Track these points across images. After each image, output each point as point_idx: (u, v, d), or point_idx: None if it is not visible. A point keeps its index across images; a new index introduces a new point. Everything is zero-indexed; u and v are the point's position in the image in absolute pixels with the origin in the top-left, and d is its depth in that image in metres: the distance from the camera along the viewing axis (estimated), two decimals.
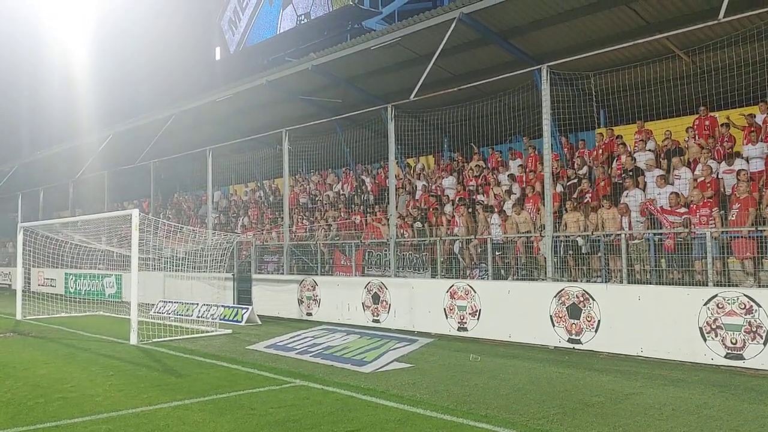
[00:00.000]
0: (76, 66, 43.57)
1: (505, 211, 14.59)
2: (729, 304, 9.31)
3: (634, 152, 14.45)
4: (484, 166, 18.16)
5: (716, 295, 9.45)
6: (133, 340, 12.84)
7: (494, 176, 16.93)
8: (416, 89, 15.16)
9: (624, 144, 14.98)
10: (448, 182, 18.05)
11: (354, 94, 20.60)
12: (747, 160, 12.31)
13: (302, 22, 34.68)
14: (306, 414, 7.05)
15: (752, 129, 12.80)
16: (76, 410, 7.36)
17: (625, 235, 11.48)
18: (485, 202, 15.81)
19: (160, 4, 42.02)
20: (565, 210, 13.22)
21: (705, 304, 9.53)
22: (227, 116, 24.56)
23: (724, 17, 10.43)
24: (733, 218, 10.69)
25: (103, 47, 43.60)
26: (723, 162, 12.58)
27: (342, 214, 19.46)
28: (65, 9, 44.79)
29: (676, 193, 12.21)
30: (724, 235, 10.54)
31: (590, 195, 14.01)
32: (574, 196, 14.00)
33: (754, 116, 13.43)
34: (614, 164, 14.86)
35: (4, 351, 12.09)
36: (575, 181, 14.72)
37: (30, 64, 45.27)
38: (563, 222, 13.04)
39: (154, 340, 13.03)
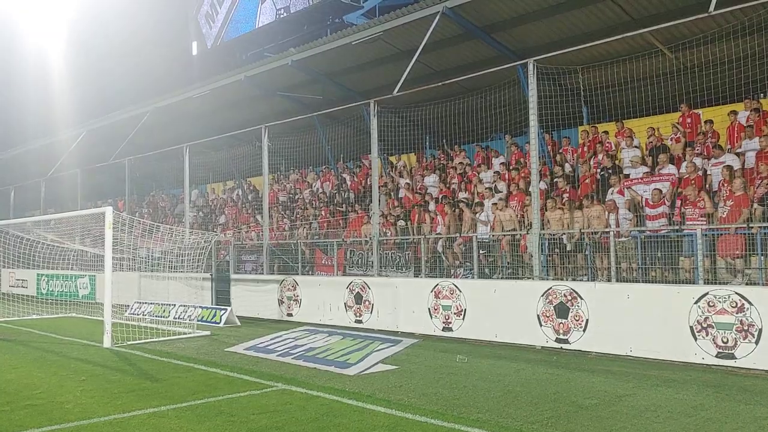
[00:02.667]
0: (49, 62, 42.53)
1: (489, 208, 14.37)
2: (720, 302, 9.15)
3: (619, 149, 14.33)
4: (467, 163, 17.95)
5: (707, 293, 9.28)
6: (107, 342, 12.37)
7: (476, 174, 16.71)
8: (399, 85, 14.89)
9: (601, 143, 14.91)
10: (430, 180, 17.77)
11: (334, 90, 20.28)
12: (738, 155, 12.23)
13: (281, 16, 34.18)
14: (289, 420, 6.71)
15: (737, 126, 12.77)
16: (44, 418, 6.95)
17: (613, 232, 11.31)
18: (469, 200, 15.58)
19: None
20: (549, 208, 13.02)
21: (696, 303, 9.36)
22: (204, 113, 24.09)
23: (714, 10, 10.27)
24: (724, 215, 10.55)
25: (76, 42, 42.63)
26: (711, 158, 12.47)
27: (323, 212, 19.12)
28: (39, 4, 43.74)
29: (659, 189, 12.10)
30: (714, 233, 10.40)
31: (569, 193, 13.86)
32: (558, 194, 13.82)
33: (737, 113, 13.40)
34: (592, 161, 14.73)
35: None
36: (560, 178, 14.55)
37: (1, 60, 44.12)
38: (545, 220, 12.86)
39: (129, 342, 12.57)
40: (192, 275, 16.86)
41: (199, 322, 15.34)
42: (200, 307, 16.35)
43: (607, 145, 15.02)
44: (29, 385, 8.71)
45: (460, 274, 13.95)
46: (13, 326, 16.03)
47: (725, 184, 11.13)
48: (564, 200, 13.40)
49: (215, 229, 21.30)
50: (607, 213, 12.25)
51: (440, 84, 14.78)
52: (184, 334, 13.94)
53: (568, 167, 15.21)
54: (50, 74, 41.81)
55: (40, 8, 43.84)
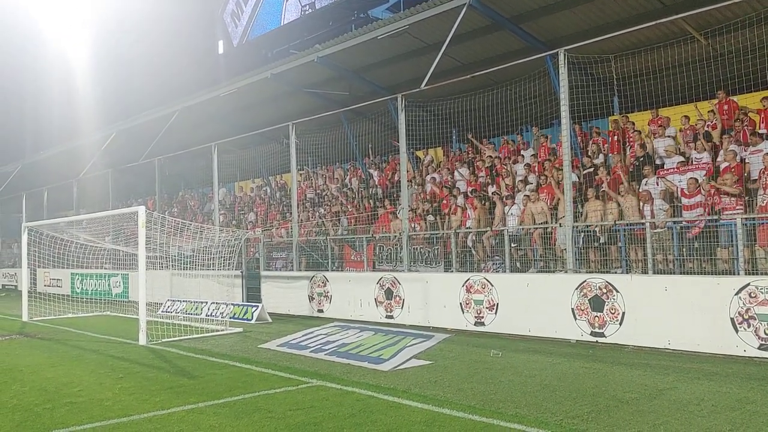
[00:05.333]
0: (78, 64, 43.27)
1: (521, 201, 14.21)
2: (762, 293, 8.92)
3: (653, 139, 14.05)
4: (495, 156, 17.78)
5: (748, 284, 9.06)
6: (142, 340, 12.53)
7: (505, 167, 16.54)
8: (426, 78, 14.79)
9: (638, 132, 14.61)
10: (462, 173, 17.64)
11: (360, 85, 20.22)
12: None
13: (307, 12, 34.23)
14: (326, 416, 6.71)
15: None
16: (85, 416, 7.04)
17: (649, 224, 11.10)
18: (499, 193, 15.43)
19: None
20: (586, 199, 12.83)
21: (737, 294, 9.14)
22: (232, 111, 24.23)
23: None
24: (764, 204, 10.28)
25: (104, 45, 43.28)
26: (749, 146, 12.15)
27: (351, 208, 19.11)
28: (66, 5, 44.45)
29: (695, 179, 11.85)
30: (753, 222, 10.13)
31: (608, 183, 13.62)
32: (598, 183, 13.58)
33: None
34: (628, 152, 14.46)
35: (10, 354, 11.78)
36: (591, 169, 14.32)
37: (32, 63, 44.98)
38: (584, 212, 12.67)
39: (164, 340, 12.72)
40: (223, 273, 16.99)
41: (231, 319, 15.45)
42: (232, 304, 16.47)
43: (633, 136, 14.69)
44: (69, 383, 8.84)
45: (490, 268, 13.83)
46: (50, 325, 16.34)
47: (765, 173, 10.84)
48: (602, 190, 13.18)
49: (245, 227, 21.44)
50: (641, 204, 12.02)
51: (468, 77, 14.63)
52: (217, 331, 14.06)
53: (601, 158, 14.96)
54: (79, 77, 42.54)
55: (68, 10, 44.56)
